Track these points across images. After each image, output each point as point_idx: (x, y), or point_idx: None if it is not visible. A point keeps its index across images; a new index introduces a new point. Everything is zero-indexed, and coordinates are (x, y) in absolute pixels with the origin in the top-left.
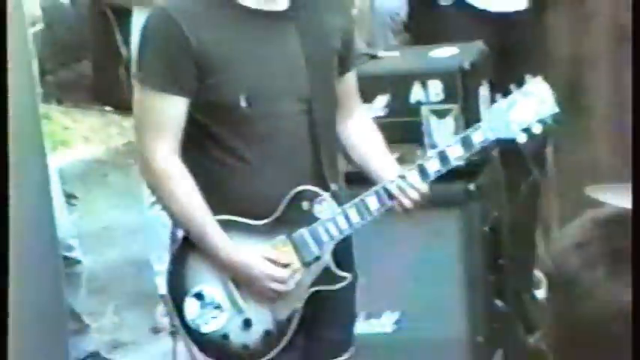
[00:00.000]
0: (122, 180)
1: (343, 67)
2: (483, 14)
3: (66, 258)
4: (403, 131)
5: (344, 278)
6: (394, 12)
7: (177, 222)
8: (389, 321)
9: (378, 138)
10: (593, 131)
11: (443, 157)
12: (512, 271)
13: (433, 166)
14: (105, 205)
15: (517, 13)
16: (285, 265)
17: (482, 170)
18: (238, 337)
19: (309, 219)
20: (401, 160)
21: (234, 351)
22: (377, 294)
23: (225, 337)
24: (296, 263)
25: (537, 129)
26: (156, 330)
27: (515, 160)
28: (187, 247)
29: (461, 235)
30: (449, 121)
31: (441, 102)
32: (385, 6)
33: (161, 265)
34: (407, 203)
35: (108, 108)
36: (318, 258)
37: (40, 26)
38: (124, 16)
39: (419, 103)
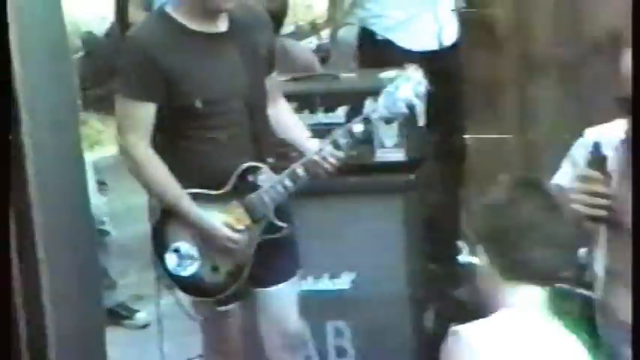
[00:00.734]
0: None
1: (269, 69)
2: (410, 50)
3: (99, 230)
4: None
5: (283, 228)
6: (351, 44)
7: (156, 197)
8: (347, 280)
9: (295, 118)
10: (502, 135)
11: (350, 133)
12: (442, 241)
13: (343, 140)
14: (128, 190)
15: (440, 49)
16: (238, 230)
17: (420, 165)
18: (210, 278)
19: (254, 187)
20: (359, 158)
21: (207, 288)
22: (338, 259)
23: (200, 279)
24: (247, 220)
25: (417, 103)
26: (168, 286)
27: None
28: (165, 216)
29: (403, 215)
30: (393, 127)
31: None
32: (344, 39)
33: None
34: (329, 168)
35: None
36: (264, 215)
37: (81, 53)
38: None
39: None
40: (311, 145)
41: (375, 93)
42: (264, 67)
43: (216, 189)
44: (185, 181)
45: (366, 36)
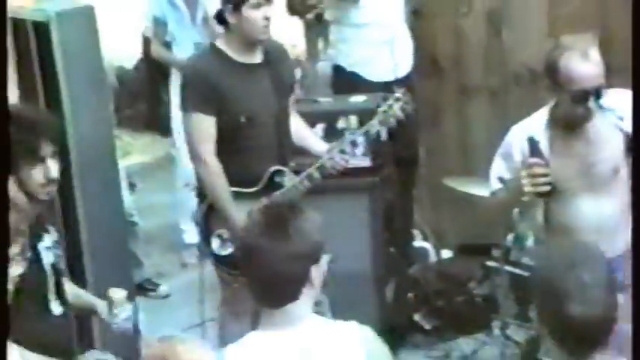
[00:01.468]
0: (163, 175)
1: (290, 91)
2: (372, 80)
3: (130, 222)
4: None
5: None
6: (326, 75)
7: (210, 195)
8: (324, 260)
9: (307, 127)
10: (446, 146)
11: (353, 142)
12: (400, 230)
13: (349, 148)
14: (151, 190)
15: (395, 80)
16: None
17: (382, 169)
18: None
19: (279, 186)
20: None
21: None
22: None
23: (233, 257)
24: None
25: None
26: (184, 265)
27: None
28: (210, 210)
29: (368, 209)
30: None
31: (356, 129)
32: (321, 71)
33: (186, 226)
34: (338, 169)
35: (155, 132)
36: None
37: (115, 83)
38: (165, 76)
39: (343, 130)
40: (322, 149)
41: (346, 114)
42: (287, 91)
43: (250, 187)
44: (228, 180)
45: (338, 69)
